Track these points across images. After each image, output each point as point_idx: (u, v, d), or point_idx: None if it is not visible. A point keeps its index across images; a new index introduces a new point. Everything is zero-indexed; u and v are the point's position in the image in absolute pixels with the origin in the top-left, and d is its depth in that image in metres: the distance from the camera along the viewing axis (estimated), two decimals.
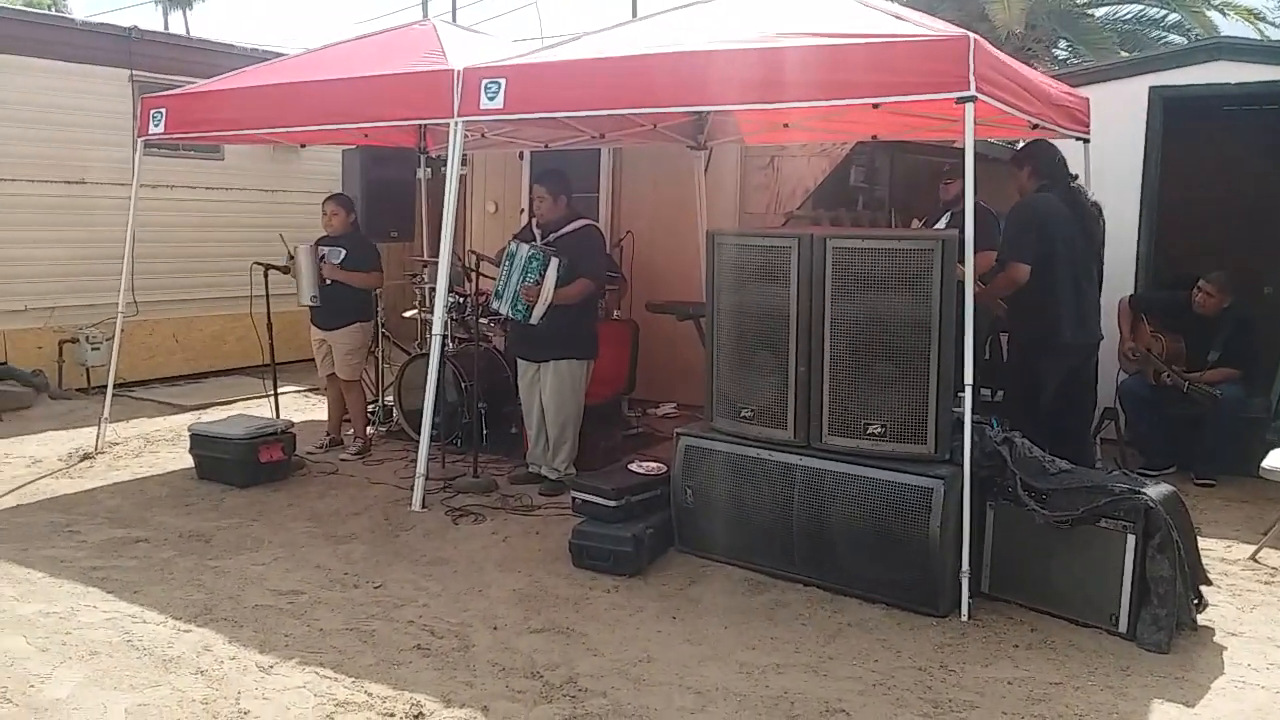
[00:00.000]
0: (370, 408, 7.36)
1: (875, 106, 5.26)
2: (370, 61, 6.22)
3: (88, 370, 8.68)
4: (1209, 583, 4.35)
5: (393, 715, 3.37)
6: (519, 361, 6.09)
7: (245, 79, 6.63)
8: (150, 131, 6.64)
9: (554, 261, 5.65)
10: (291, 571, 4.66)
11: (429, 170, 8.51)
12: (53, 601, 4.26)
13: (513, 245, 5.89)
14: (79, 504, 5.67)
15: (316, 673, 3.66)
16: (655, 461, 5.21)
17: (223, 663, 3.75)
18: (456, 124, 5.51)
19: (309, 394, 8.77)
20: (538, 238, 5.94)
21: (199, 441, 6.20)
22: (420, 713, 3.39)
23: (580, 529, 4.80)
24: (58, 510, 5.56)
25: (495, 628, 4.09)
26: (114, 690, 3.52)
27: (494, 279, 6.02)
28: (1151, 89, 7.10)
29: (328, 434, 6.98)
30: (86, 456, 6.68)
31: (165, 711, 3.39)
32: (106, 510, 5.57)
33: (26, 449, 6.91)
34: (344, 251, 6.60)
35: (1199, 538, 4.40)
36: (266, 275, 6.55)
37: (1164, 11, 16.24)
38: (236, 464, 5.98)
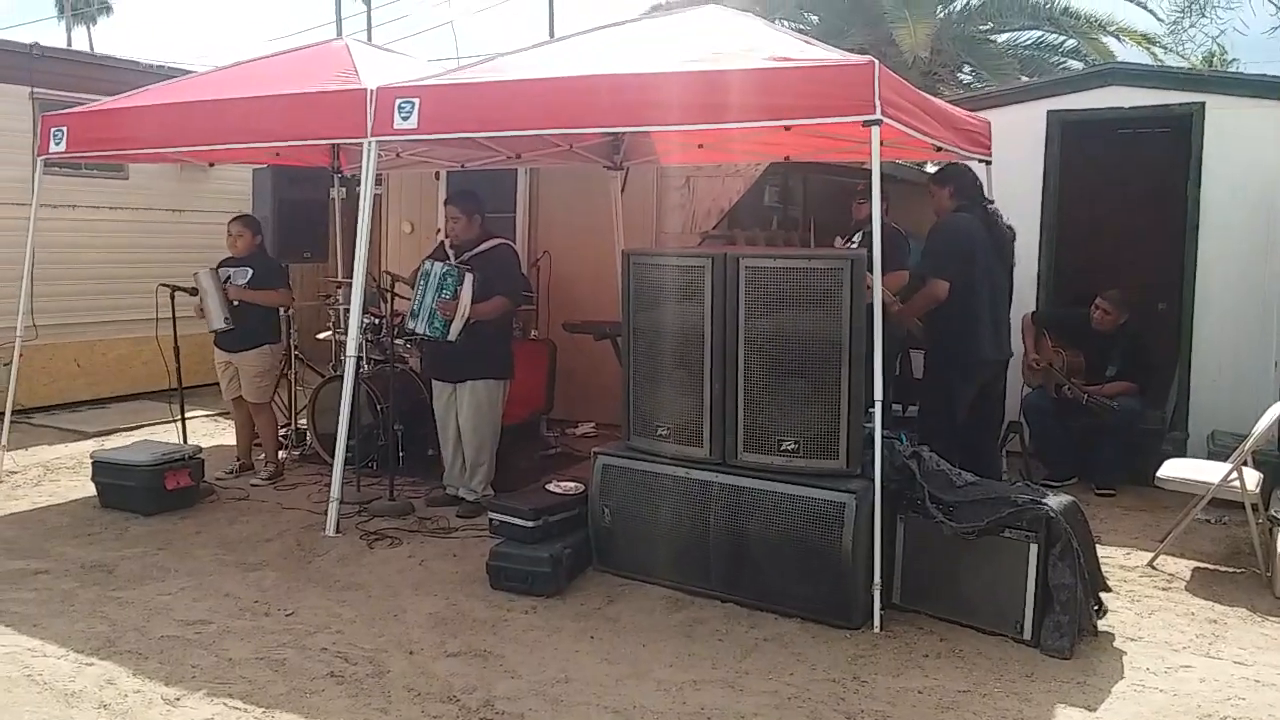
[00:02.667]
0: (283, 431, 7.23)
1: (787, 129, 5.37)
2: (282, 80, 6.14)
3: None
4: (1109, 589, 4.50)
5: None
6: (434, 383, 6.05)
7: (151, 96, 6.49)
8: (51, 150, 6.45)
9: (469, 277, 5.65)
10: (199, 601, 4.55)
11: (343, 190, 8.41)
12: None
13: (427, 264, 5.85)
14: None
15: (225, 704, 3.58)
16: (573, 481, 5.20)
17: (127, 696, 3.64)
18: (370, 144, 5.47)
19: (218, 419, 8.57)
20: (451, 258, 5.92)
21: (102, 469, 6.01)
22: None
23: (498, 550, 4.78)
24: None
25: (411, 652, 4.04)
26: None
27: (409, 299, 5.98)
28: (1050, 112, 7.36)
29: (238, 459, 6.83)
30: None
31: None
32: (4, 541, 5.36)
33: None
34: (250, 271, 6.48)
35: (1099, 546, 4.55)
36: (173, 297, 6.39)
37: (1062, 37, 16.83)
38: (142, 491, 5.81)
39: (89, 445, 7.47)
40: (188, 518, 5.80)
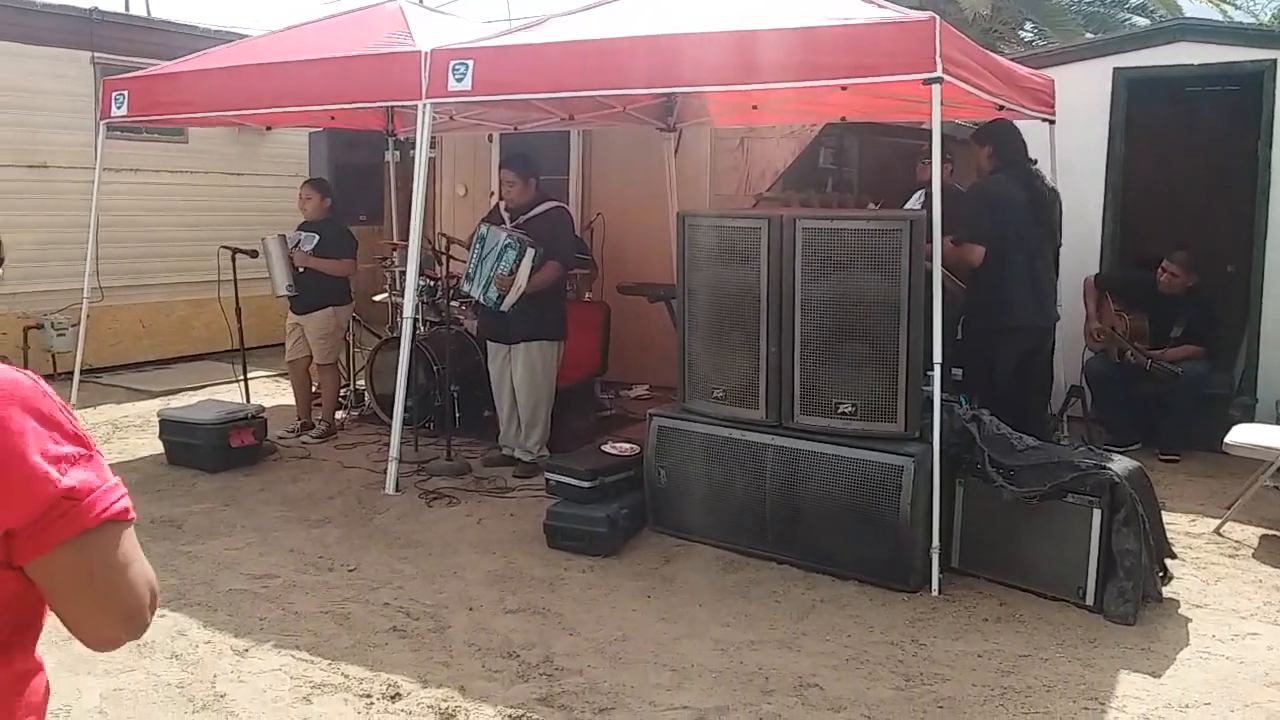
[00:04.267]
0: (342, 392, 7.33)
1: (844, 88, 5.29)
2: (337, 43, 6.17)
3: (53, 356, 8.56)
4: (1174, 556, 4.44)
5: (369, 696, 3.39)
6: (489, 344, 6.09)
7: (209, 60, 6.56)
8: (112, 114, 6.56)
9: (530, 252, 5.64)
10: (265, 556, 4.65)
11: (397, 153, 8.46)
12: None
13: (483, 228, 5.87)
14: None
15: (292, 655, 3.67)
16: (628, 443, 5.23)
17: (198, 646, 3.74)
18: (424, 106, 5.49)
19: (279, 379, 8.70)
20: (506, 220, 5.93)
21: (169, 427, 6.15)
22: (397, 693, 3.40)
23: (554, 510, 4.82)
24: None
25: (471, 609, 4.10)
26: (88, 675, 3.50)
27: (465, 262, 6.01)
28: (1115, 70, 7.17)
29: (299, 418, 6.95)
30: None
31: (141, 695, 3.38)
32: None
33: None
34: (316, 238, 6.55)
35: (1164, 512, 4.48)
36: (234, 259, 6.49)
37: None
38: (207, 449, 5.93)
39: (155, 404, 7.64)
40: (252, 475, 5.92)
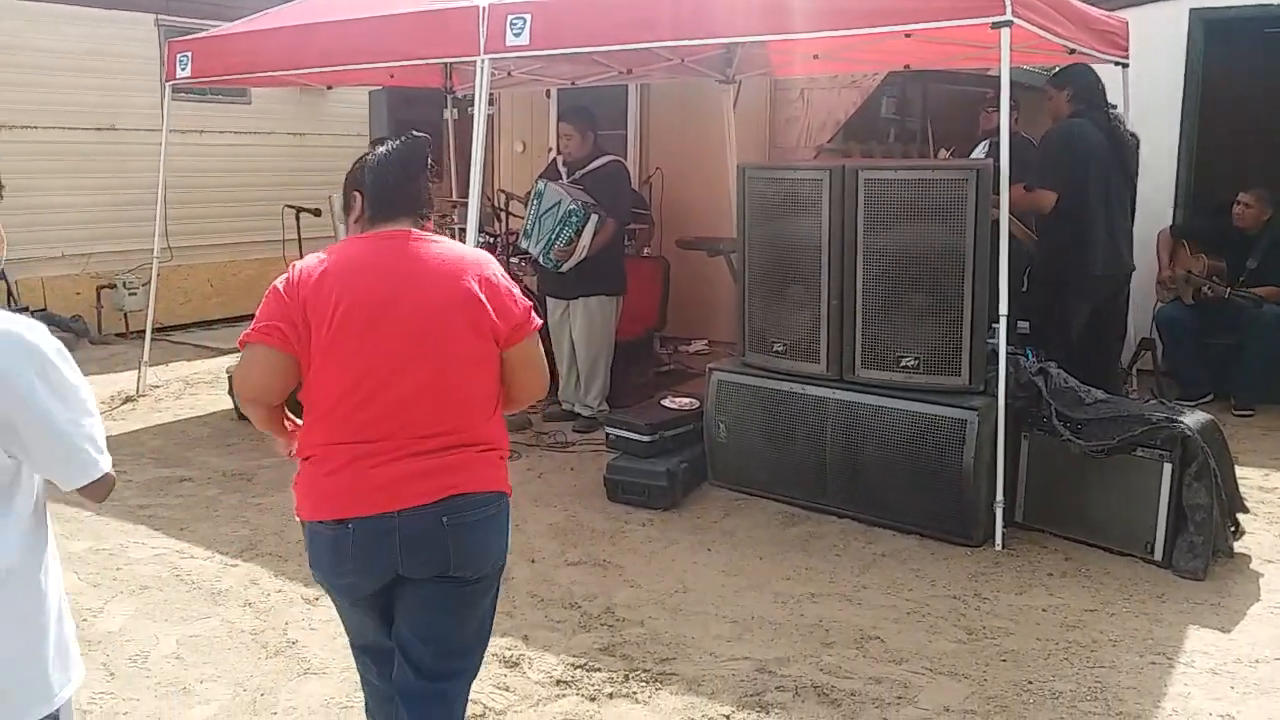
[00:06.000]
0: None
1: (908, 35, 5.16)
2: None
3: (126, 315, 8.79)
4: (1246, 510, 4.33)
5: None
6: (548, 299, 6.11)
7: (270, 20, 6.59)
8: (177, 75, 6.63)
9: (593, 219, 5.63)
10: None
11: (455, 111, 8.47)
12: (102, 539, 4.38)
13: (540, 184, 5.87)
14: (123, 445, 5.78)
15: None
16: (688, 397, 5.23)
17: (269, 595, 3.84)
18: (483, 62, 5.45)
19: None
20: (564, 175, 5.91)
21: None
22: None
23: (614, 464, 4.85)
24: None
25: (533, 561, 4.16)
26: (165, 622, 3.63)
27: (523, 218, 6.02)
28: (1192, 11, 6.89)
29: None
30: (129, 399, 6.81)
31: (216, 642, 3.49)
32: (150, 451, 5.69)
33: None
34: None
35: (1237, 466, 4.36)
36: (299, 218, 6.58)
37: None
38: None
39: (224, 361, 7.79)
40: None
